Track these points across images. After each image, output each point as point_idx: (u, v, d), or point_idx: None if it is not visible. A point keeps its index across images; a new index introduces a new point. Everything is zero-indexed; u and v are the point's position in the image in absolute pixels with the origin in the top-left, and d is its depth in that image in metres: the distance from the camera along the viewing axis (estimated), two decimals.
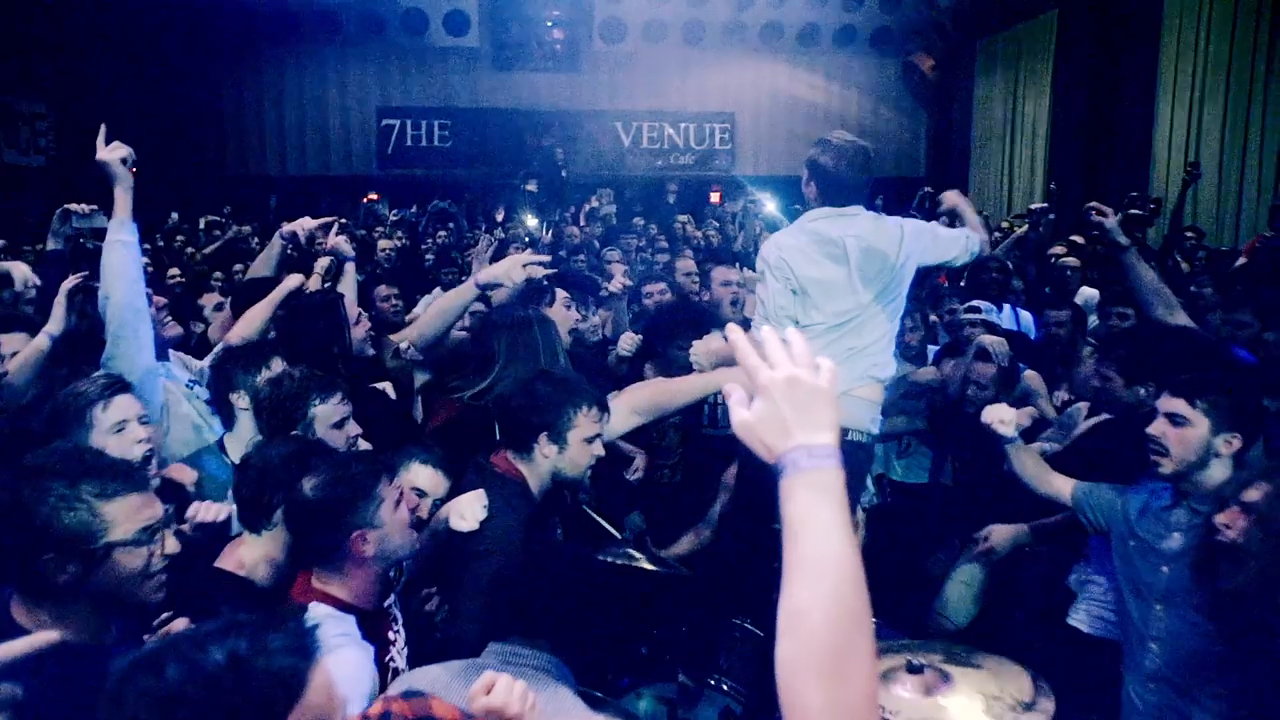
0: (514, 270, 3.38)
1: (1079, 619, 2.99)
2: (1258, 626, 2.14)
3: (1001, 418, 2.90)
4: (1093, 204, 3.48)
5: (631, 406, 2.95)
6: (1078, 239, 6.72)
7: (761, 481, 3.27)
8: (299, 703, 1.09)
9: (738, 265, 4.54)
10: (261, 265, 3.77)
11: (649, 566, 2.88)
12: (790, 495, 1.06)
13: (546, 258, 3.86)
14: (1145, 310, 3.40)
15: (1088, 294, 5.60)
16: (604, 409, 2.65)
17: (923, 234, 3.17)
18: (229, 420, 2.81)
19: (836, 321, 3.07)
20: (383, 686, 1.93)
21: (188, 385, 3.19)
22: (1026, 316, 5.46)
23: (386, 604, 2.15)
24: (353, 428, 2.64)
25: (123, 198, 2.88)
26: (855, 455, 3.18)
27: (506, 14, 15.24)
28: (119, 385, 2.45)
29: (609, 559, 2.89)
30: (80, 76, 12.18)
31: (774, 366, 1.11)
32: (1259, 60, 9.12)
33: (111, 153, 2.89)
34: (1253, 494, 2.09)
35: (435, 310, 3.48)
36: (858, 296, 3.05)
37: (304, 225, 3.79)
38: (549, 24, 15.51)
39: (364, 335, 3.30)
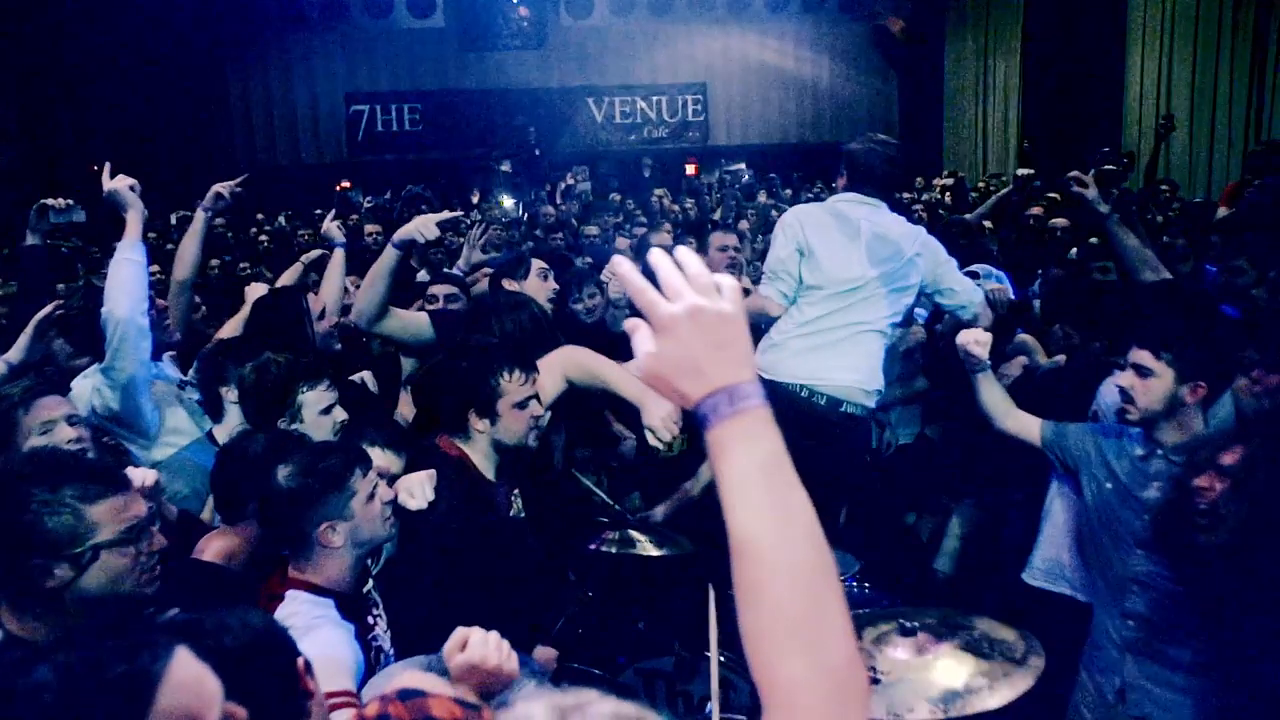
0: (425, 226, 3.42)
1: (1034, 575, 3.03)
2: (1233, 580, 2.19)
3: (977, 338, 2.94)
4: (1073, 174, 3.46)
5: (563, 369, 2.86)
6: (1055, 196, 6.73)
7: None
8: (151, 709, 1.00)
9: (733, 234, 4.54)
10: (189, 244, 3.58)
11: (650, 551, 2.88)
12: (720, 449, 0.93)
13: (459, 213, 3.83)
14: (1131, 275, 3.42)
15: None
16: (528, 369, 2.55)
17: (939, 252, 3.28)
18: (217, 412, 2.81)
19: (839, 289, 3.14)
20: (369, 666, 1.94)
21: (179, 385, 3.19)
22: (1002, 278, 5.47)
23: (366, 589, 2.15)
24: (339, 413, 2.63)
25: (134, 221, 2.99)
26: (853, 429, 3.22)
27: None
28: (42, 387, 2.44)
29: (606, 547, 2.90)
30: (43, 70, 11.94)
31: (672, 298, 0.96)
32: (1225, 11, 9.15)
33: (119, 183, 3.04)
34: (1228, 458, 2.12)
35: (366, 282, 3.41)
36: (864, 270, 3.14)
37: (224, 188, 3.68)
38: (515, 2, 15.34)
39: (329, 329, 3.28)
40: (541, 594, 2.75)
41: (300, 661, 1.44)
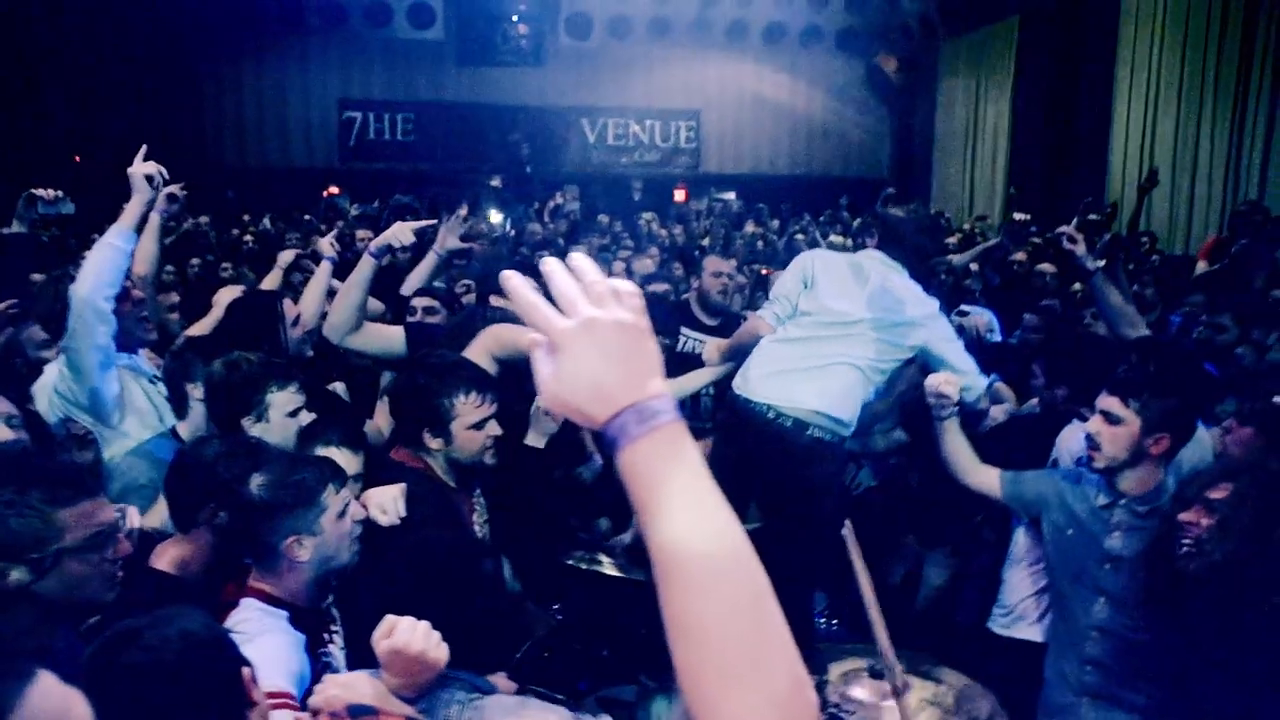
0: (402, 233, 3.49)
1: (998, 623, 3.02)
2: (1201, 626, 2.19)
3: (948, 379, 2.95)
4: (1063, 230, 3.55)
5: (488, 350, 2.85)
6: (1037, 241, 6.81)
7: (727, 462, 3.26)
8: None
9: (730, 260, 4.64)
10: (146, 240, 3.47)
11: (613, 572, 2.85)
12: (633, 472, 0.86)
13: (432, 221, 3.85)
14: (1112, 329, 3.47)
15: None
16: (486, 391, 2.52)
17: (947, 329, 3.33)
18: (182, 409, 2.78)
19: (829, 319, 3.18)
20: (314, 678, 1.89)
21: (150, 380, 3.16)
22: (992, 319, 5.51)
23: (325, 603, 2.12)
24: (305, 417, 2.60)
25: (133, 209, 2.99)
26: (824, 457, 3.20)
27: (471, 8, 15.12)
28: None
29: (574, 562, 2.87)
30: (38, 67, 11.86)
31: (567, 311, 0.88)
32: (1208, 72, 9.34)
33: (141, 168, 3.05)
34: (1217, 494, 2.13)
35: (340, 293, 3.37)
36: (858, 309, 3.19)
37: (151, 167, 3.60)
38: (514, 18, 15.42)
39: (302, 335, 3.24)
40: (507, 617, 2.71)
41: (246, 672, 1.42)
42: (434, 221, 3.77)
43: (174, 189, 3.60)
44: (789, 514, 3.18)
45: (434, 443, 2.49)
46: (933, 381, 2.94)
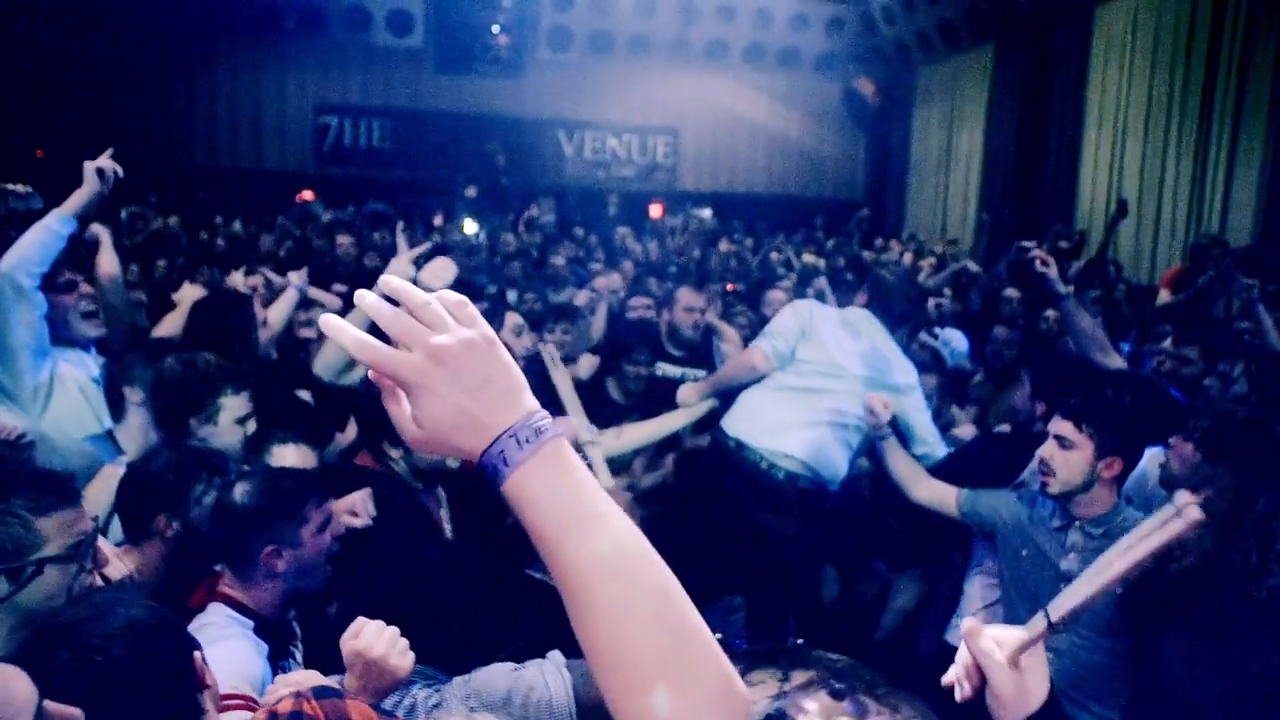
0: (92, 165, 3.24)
1: (957, 637, 3.04)
2: (1158, 642, 2.22)
3: (884, 400, 3.01)
4: (1035, 253, 3.63)
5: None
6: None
7: (705, 497, 3.31)
8: None
9: (701, 293, 4.48)
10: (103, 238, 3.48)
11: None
12: (522, 499, 0.80)
13: (428, 245, 3.83)
14: (1081, 354, 3.52)
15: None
16: None
17: (921, 398, 3.50)
18: (119, 413, 2.72)
19: (828, 372, 3.27)
20: None
21: (95, 380, 3.10)
22: (957, 335, 5.55)
23: (289, 616, 2.11)
24: (251, 426, 2.59)
25: (78, 198, 2.98)
26: (812, 508, 3.32)
27: (452, 16, 15.07)
28: None
29: (535, 573, 2.83)
30: (3, 62, 11.66)
31: (409, 345, 0.80)
32: (1174, 101, 9.55)
33: (97, 161, 3.03)
34: (1193, 499, 2.16)
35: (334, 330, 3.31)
36: (854, 365, 3.30)
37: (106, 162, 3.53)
38: (495, 28, 15.41)
39: (269, 338, 3.22)
40: (476, 625, 2.68)
41: (198, 655, 1.40)
42: (429, 245, 3.78)
43: (105, 161, 3.50)
44: (765, 556, 3.23)
45: (394, 451, 2.49)
46: (870, 400, 3.03)
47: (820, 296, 5.27)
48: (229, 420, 2.52)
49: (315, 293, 4.49)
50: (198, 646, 1.44)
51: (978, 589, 3.03)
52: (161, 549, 2.10)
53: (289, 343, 3.89)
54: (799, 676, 2.15)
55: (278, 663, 1.98)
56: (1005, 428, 3.74)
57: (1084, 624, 2.44)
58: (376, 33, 14.96)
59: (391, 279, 0.84)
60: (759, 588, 3.26)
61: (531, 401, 0.83)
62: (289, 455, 2.51)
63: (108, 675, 1.31)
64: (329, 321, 0.82)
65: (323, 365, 3.28)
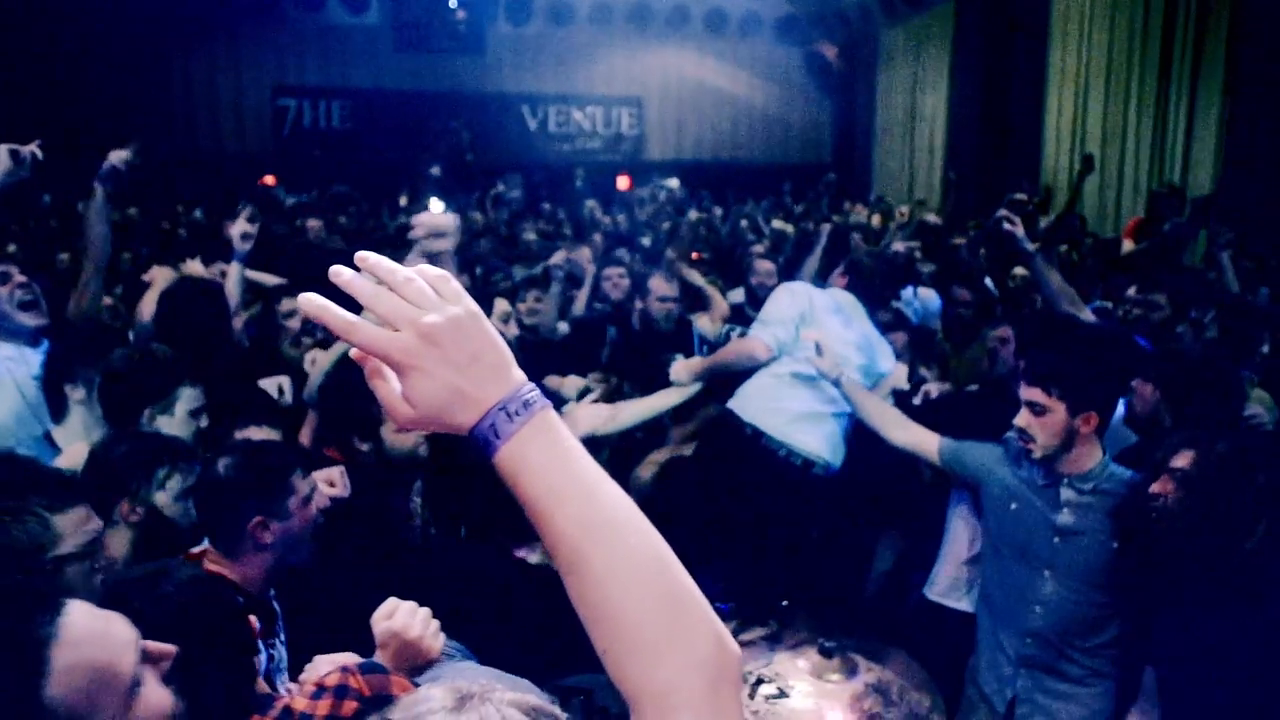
0: (121, 153, 3.36)
1: (934, 590, 3.12)
2: (1163, 601, 2.27)
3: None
4: (1002, 212, 3.67)
5: None
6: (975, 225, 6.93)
7: (716, 477, 3.40)
8: (49, 670, 0.98)
9: (674, 281, 4.47)
10: (94, 224, 3.33)
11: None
12: (514, 469, 0.82)
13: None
14: (1052, 307, 3.56)
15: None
16: None
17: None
18: (60, 412, 2.67)
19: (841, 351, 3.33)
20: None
21: (33, 379, 2.98)
22: (929, 294, 5.58)
23: (269, 595, 2.11)
24: (204, 420, 2.59)
25: None
26: (820, 491, 3.41)
27: None
28: None
29: (533, 556, 2.84)
30: None
31: (397, 324, 0.80)
32: (1134, 57, 9.62)
33: (14, 147, 2.93)
34: (1181, 461, 2.20)
35: (328, 354, 3.14)
36: (852, 353, 3.40)
37: (119, 156, 3.44)
38: (452, 4, 15.16)
39: (241, 325, 3.19)
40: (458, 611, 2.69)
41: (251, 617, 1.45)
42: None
43: (117, 159, 3.43)
44: (768, 535, 3.31)
45: (364, 445, 2.51)
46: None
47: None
48: (184, 411, 2.52)
49: (255, 274, 4.35)
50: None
51: (957, 547, 3.08)
52: (128, 535, 2.10)
53: (262, 331, 3.83)
54: (790, 637, 2.19)
55: (265, 641, 1.98)
56: (973, 388, 3.79)
57: (1076, 577, 2.49)
58: (331, 12, 14.68)
59: (369, 255, 0.84)
60: (757, 562, 3.32)
61: (519, 375, 0.84)
62: (257, 436, 2.51)
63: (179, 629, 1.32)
64: (310, 301, 0.81)
65: (316, 390, 3.17)
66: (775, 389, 3.38)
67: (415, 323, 0.80)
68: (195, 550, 2.03)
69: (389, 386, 0.83)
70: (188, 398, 2.53)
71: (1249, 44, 8.13)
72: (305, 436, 3.14)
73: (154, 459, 2.11)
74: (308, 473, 2.09)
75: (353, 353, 0.84)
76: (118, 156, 3.43)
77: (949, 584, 3.08)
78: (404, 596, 1.95)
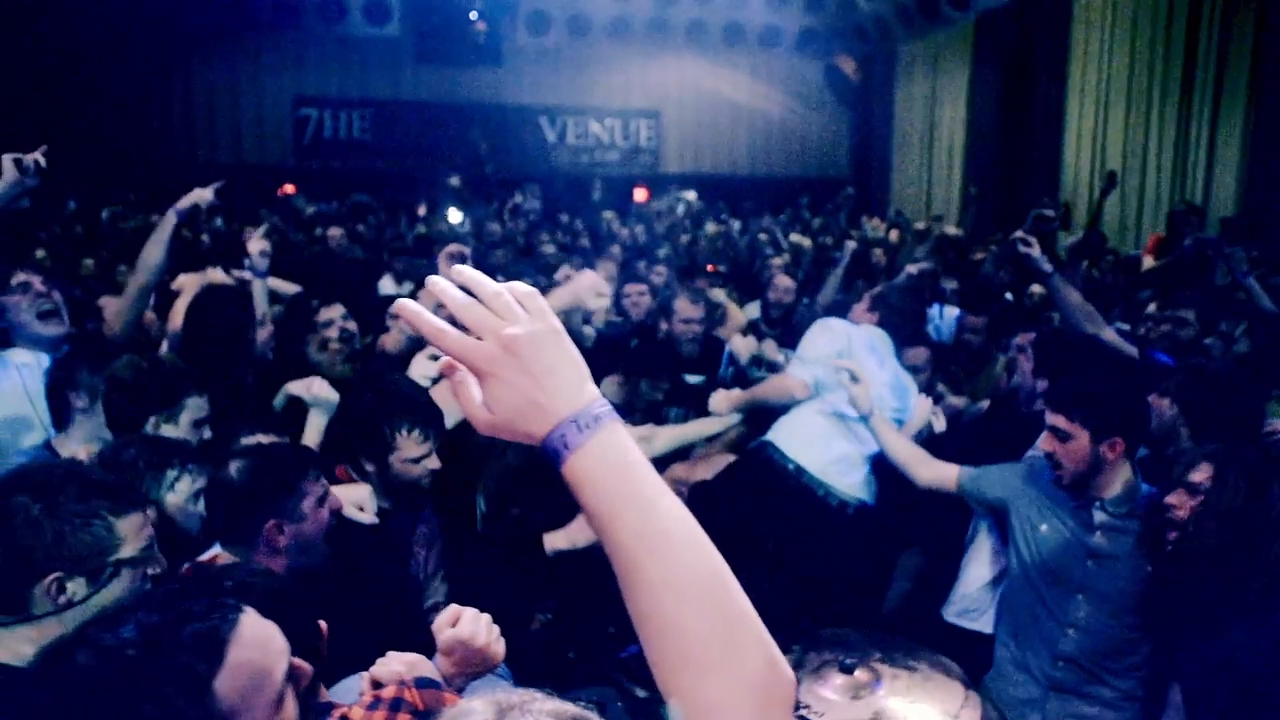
0: (204, 193, 3.50)
1: (951, 612, 3.08)
2: (1185, 616, 2.23)
3: (864, 393, 3.11)
4: (1018, 235, 3.69)
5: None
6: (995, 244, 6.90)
7: (749, 510, 3.38)
8: (223, 664, 1.06)
9: (699, 303, 4.41)
10: (154, 249, 3.35)
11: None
12: (580, 479, 0.85)
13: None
14: (1073, 328, 3.54)
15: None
16: (430, 428, 2.48)
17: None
18: (63, 420, 2.66)
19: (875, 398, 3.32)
20: None
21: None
22: (953, 312, 5.54)
23: None
24: (207, 431, 2.61)
25: None
26: (858, 531, 3.43)
27: (429, 4, 14.92)
28: None
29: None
30: None
31: (481, 333, 0.85)
32: (1155, 74, 9.58)
33: (20, 155, 2.98)
34: (1199, 475, 2.18)
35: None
36: (885, 396, 3.41)
37: (202, 196, 3.51)
38: (472, 16, 15.26)
39: (267, 338, 3.20)
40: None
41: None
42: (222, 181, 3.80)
43: (200, 197, 3.51)
44: (790, 564, 3.36)
45: (370, 467, 2.49)
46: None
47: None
48: (189, 421, 2.54)
49: (274, 282, 4.38)
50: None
51: (978, 570, 3.04)
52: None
53: (283, 338, 3.83)
54: (812, 660, 2.16)
55: None
56: (984, 404, 3.77)
57: (1111, 601, 2.45)
58: (353, 23, 14.80)
59: (465, 269, 0.90)
60: (778, 590, 3.33)
61: (593, 390, 0.88)
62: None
63: (148, 664, 1.32)
64: (406, 307, 0.87)
65: (419, 374, 3.12)
66: (817, 428, 3.41)
67: (498, 333, 0.85)
68: (205, 556, 2.01)
69: (470, 393, 0.88)
70: (193, 407, 2.55)
71: (1273, 62, 8.07)
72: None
73: (164, 461, 2.12)
74: (319, 474, 2.08)
75: (441, 361, 0.91)
76: (201, 197, 3.49)
77: (967, 605, 3.05)
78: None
